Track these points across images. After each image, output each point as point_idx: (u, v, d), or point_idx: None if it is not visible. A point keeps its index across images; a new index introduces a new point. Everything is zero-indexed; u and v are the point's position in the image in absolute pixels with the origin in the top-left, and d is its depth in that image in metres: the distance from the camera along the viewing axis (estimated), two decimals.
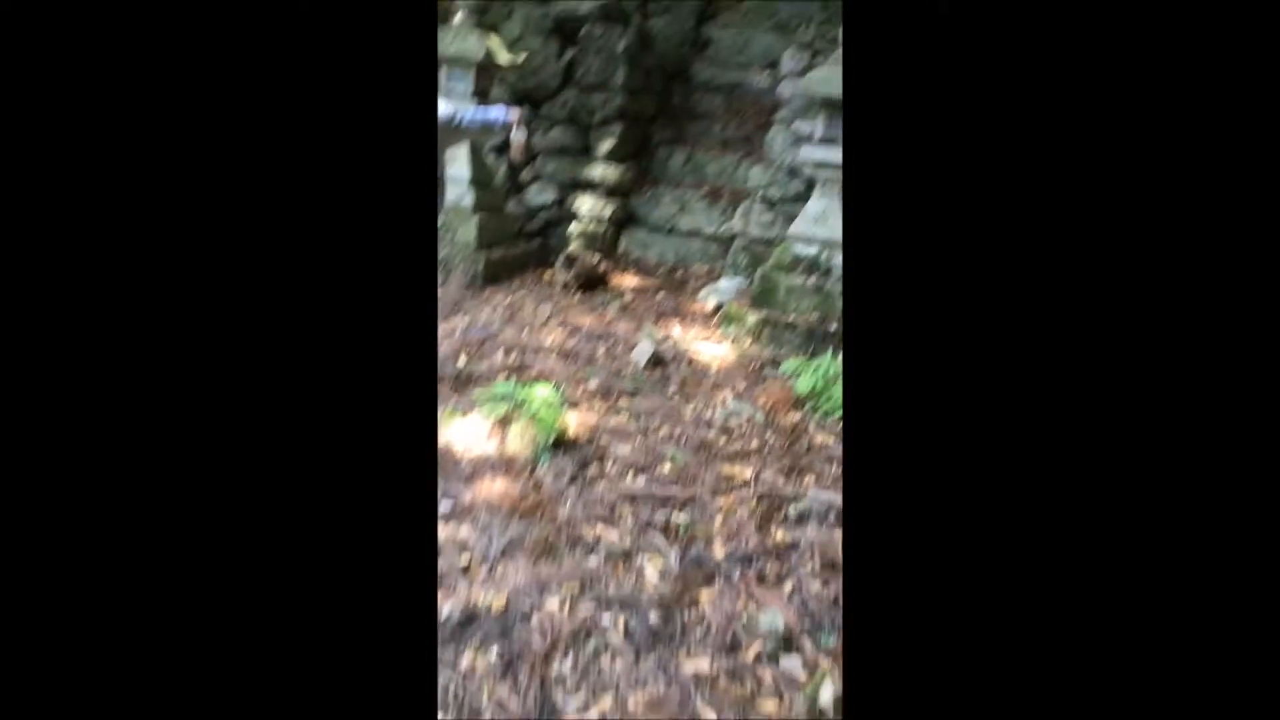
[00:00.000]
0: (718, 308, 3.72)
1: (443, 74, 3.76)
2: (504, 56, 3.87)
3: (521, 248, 4.07)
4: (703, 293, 3.95)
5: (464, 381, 2.49)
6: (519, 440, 2.06)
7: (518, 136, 2.73)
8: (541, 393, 2.22)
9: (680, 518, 1.77)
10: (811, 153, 3.25)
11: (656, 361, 2.90)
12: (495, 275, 3.74)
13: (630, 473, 1.98)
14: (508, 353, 2.85)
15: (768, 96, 5.02)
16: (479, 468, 1.94)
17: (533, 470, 1.96)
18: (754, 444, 2.23)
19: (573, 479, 1.91)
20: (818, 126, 3.23)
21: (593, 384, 2.63)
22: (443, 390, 2.38)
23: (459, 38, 3.71)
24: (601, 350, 3.01)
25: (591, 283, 3.89)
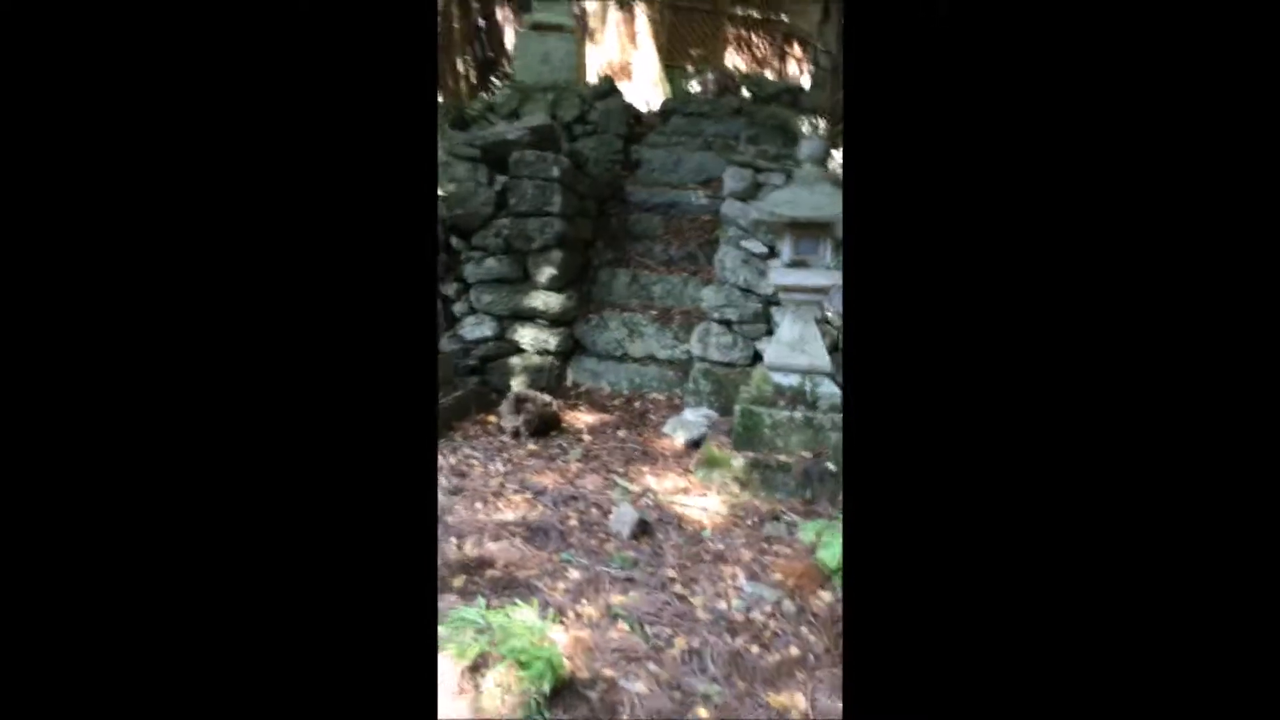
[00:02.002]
0: (689, 444, 3.35)
1: None
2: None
3: (461, 391, 3.60)
4: (668, 426, 3.59)
5: None
6: (500, 695, 1.54)
7: None
8: (522, 617, 1.72)
9: None
10: (781, 277, 3.03)
11: (641, 529, 2.45)
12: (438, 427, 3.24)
13: None
14: (462, 540, 2.33)
15: (706, 214, 4.93)
16: None
17: None
18: (793, 649, 1.79)
19: None
20: (784, 250, 3.03)
21: (574, 575, 2.14)
22: None
23: None
24: (574, 519, 2.54)
25: (544, 426, 3.45)
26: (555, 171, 4.19)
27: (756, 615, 1.95)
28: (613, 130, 5.49)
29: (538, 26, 5.86)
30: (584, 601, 1.99)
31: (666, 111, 5.99)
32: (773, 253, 3.89)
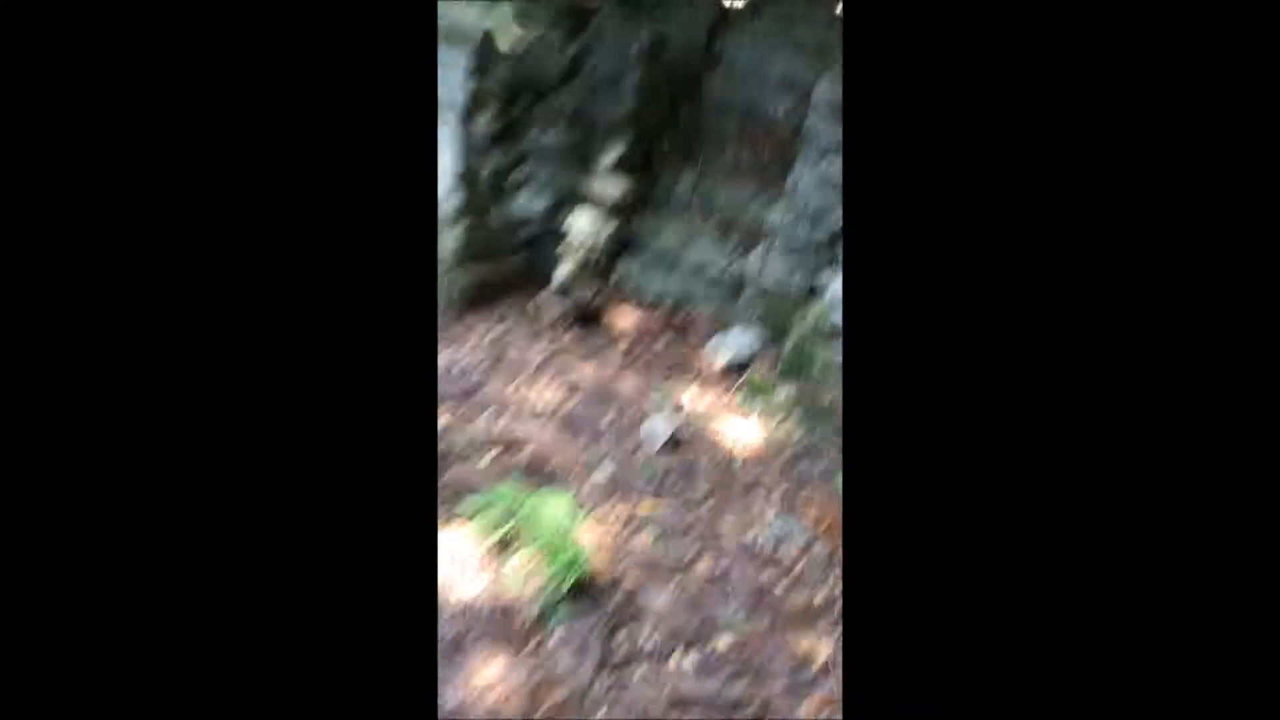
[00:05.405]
0: (731, 365, 3.24)
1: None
2: (507, 36, 3.26)
3: (508, 265, 3.47)
4: (711, 343, 3.46)
5: (444, 459, 1.90)
6: (522, 579, 1.51)
7: None
8: (552, 508, 1.66)
9: None
10: None
11: (674, 443, 2.38)
12: (477, 298, 3.14)
13: (676, 649, 1.46)
14: (496, 416, 2.27)
15: (787, 122, 4.58)
16: (468, 624, 1.38)
17: (541, 637, 1.41)
18: (819, 595, 1.74)
19: (601, 663, 1.37)
20: None
21: (603, 475, 2.09)
22: None
23: (459, 8, 3.08)
24: (607, 419, 2.47)
25: (586, 318, 3.34)
26: (635, 46, 3.86)
27: (785, 551, 1.89)
28: (700, 18, 5.03)
29: None
30: (611, 503, 1.94)
31: (758, 4, 5.46)
32: None
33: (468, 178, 3.25)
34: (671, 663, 1.42)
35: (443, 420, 2.14)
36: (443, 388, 2.36)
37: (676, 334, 3.53)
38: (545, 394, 2.53)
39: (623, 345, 3.21)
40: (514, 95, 4.04)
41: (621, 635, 1.46)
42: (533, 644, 1.38)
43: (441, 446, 1.98)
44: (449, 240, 3.13)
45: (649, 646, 1.45)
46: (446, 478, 1.83)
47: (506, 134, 4.06)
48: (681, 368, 3.14)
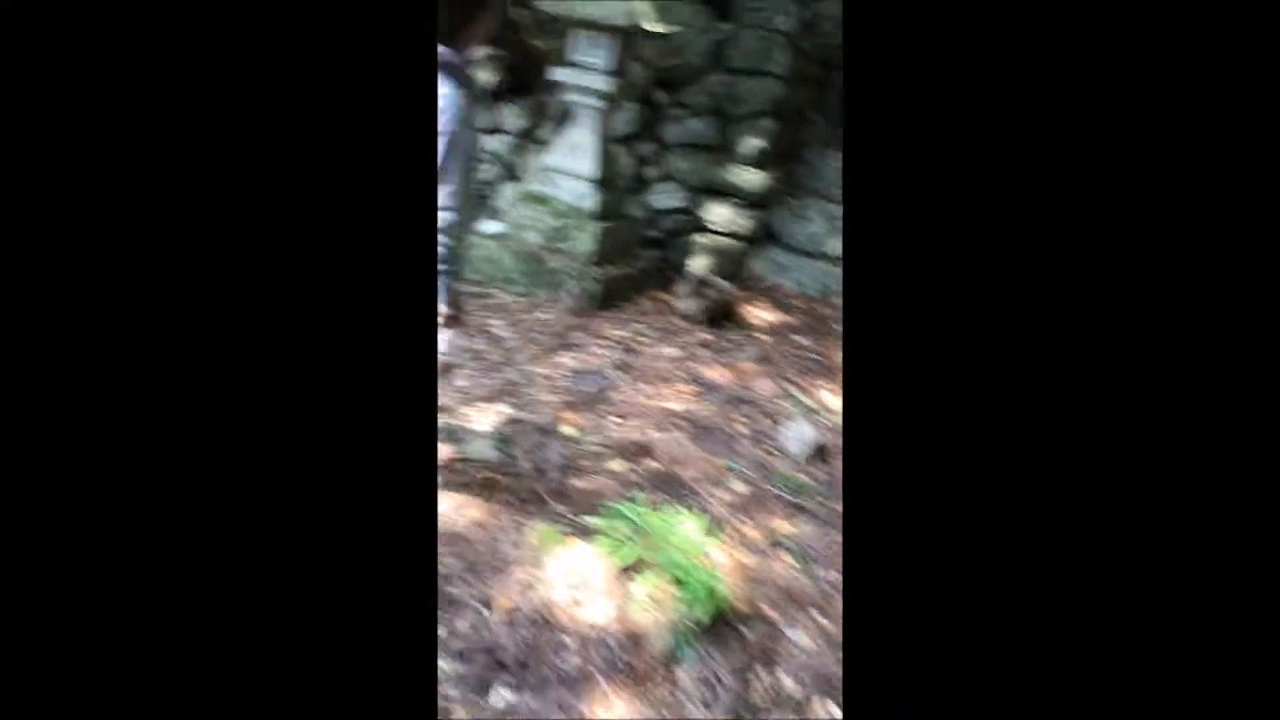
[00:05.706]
0: None
1: (573, 40, 3.10)
2: (652, 25, 3.16)
3: (642, 263, 3.40)
4: None
5: (570, 470, 1.85)
6: (650, 609, 1.40)
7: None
8: (684, 528, 1.55)
9: None
10: None
11: (817, 452, 2.18)
12: (610, 297, 3.09)
13: (818, 698, 1.28)
14: (625, 421, 2.19)
15: None
16: (591, 656, 1.30)
17: (671, 675, 1.29)
18: None
19: (735, 709, 1.23)
20: None
21: (739, 487, 1.94)
22: (545, 483, 1.74)
23: (598, 5, 3.02)
24: (742, 424, 2.32)
25: (721, 315, 3.19)
26: (784, 23, 3.62)
27: None
28: None
29: None
30: (747, 520, 1.79)
31: None
32: None
33: (606, 175, 3.21)
34: (817, 711, 1.25)
35: (569, 426, 2.09)
36: (570, 392, 2.32)
37: (816, 332, 3.28)
38: (677, 397, 2.42)
39: (758, 345, 3.03)
40: (654, 88, 3.96)
41: (759, 679, 1.31)
42: (661, 682, 1.27)
43: (567, 454, 1.93)
44: (585, 240, 3.11)
45: (788, 691, 1.29)
46: (571, 489, 1.77)
47: (646, 128, 3.99)
48: (824, 367, 2.91)
